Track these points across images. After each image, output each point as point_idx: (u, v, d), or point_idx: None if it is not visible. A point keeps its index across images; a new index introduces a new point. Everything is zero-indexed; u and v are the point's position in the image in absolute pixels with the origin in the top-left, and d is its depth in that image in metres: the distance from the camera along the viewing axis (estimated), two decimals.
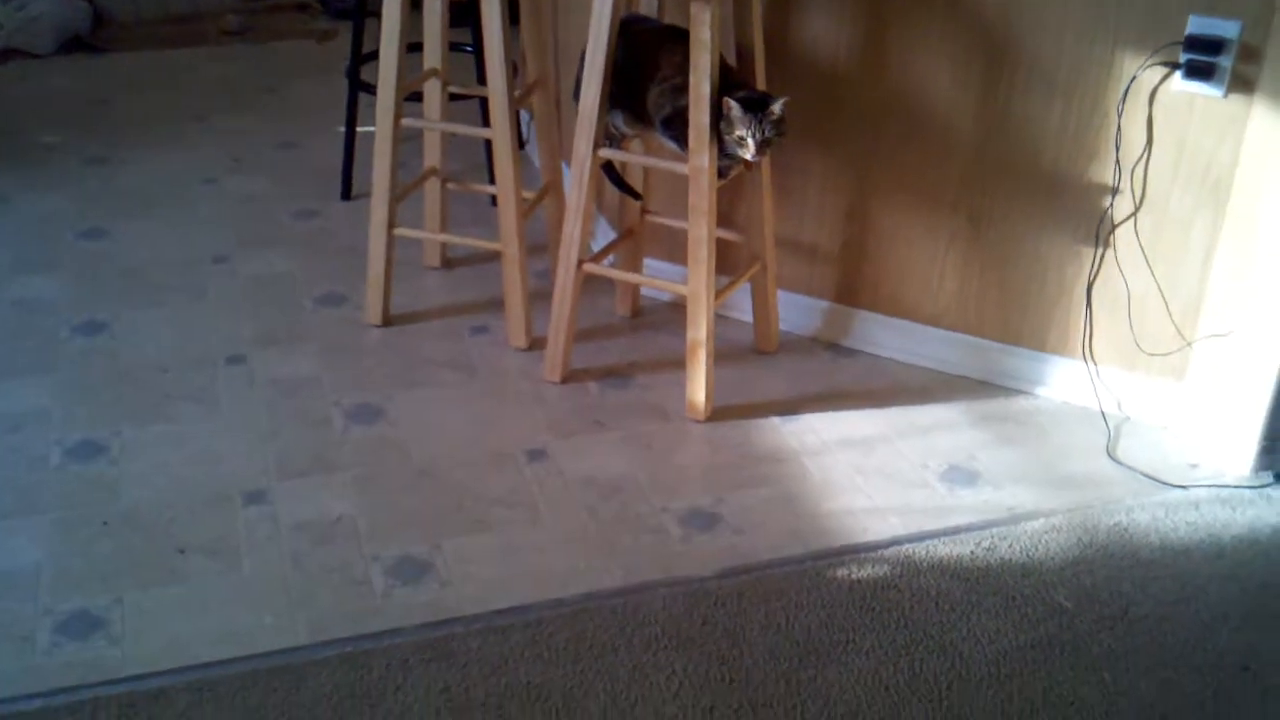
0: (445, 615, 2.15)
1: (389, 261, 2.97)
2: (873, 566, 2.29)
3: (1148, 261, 2.61)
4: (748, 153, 2.45)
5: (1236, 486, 2.52)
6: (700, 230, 2.55)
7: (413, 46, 2.92)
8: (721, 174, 2.57)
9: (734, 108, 2.42)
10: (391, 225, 2.93)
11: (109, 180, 3.77)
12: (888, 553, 2.33)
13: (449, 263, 3.34)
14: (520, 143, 2.87)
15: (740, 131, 2.43)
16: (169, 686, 1.97)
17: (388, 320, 3.04)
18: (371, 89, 3.15)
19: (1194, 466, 2.59)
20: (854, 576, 2.26)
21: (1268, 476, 2.53)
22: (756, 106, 2.43)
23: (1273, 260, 2.42)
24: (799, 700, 1.99)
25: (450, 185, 3.23)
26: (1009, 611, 2.19)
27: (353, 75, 3.61)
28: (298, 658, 2.05)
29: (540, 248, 3.29)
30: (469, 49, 3.47)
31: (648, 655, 2.07)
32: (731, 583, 2.24)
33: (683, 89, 2.47)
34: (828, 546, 2.35)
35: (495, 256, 3.23)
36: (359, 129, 3.61)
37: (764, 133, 2.43)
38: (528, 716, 1.94)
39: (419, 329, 3.04)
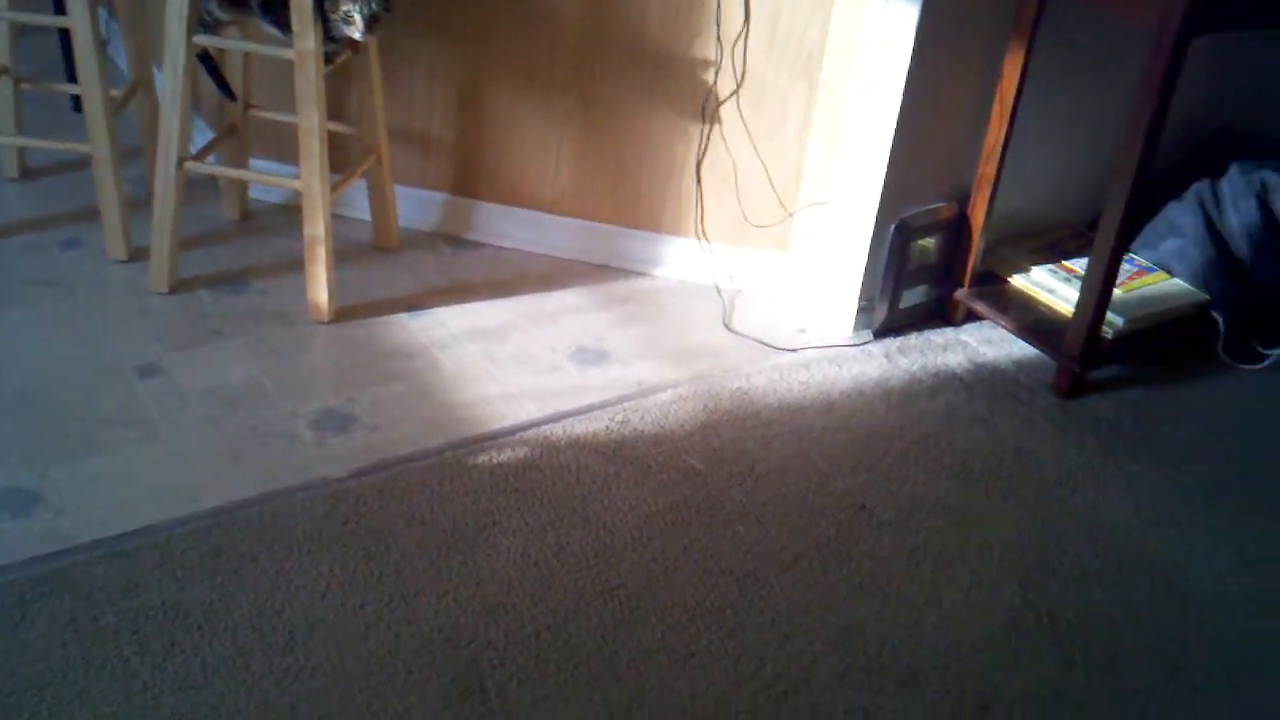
0: (62, 545, 1.99)
1: None
2: (512, 450, 2.30)
3: (750, 137, 2.73)
4: (355, 30, 2.35)
5: (840, 346, 2.70)
6: (310, 119, 2.44)
7: None
8: (329, 59, 2.46)
9: None
10: None
11: None
12: (526, 435, 2.35)
13: (29, 172, 3.05)
14: (101, 41, 2.64)
15: (346, 6, 2.33)
16: None
17: None
18: None
19: (802, 331, 2.75)
20: (495, 461, 2.27)
21: (866, 335, 2.72)
22: None
23: (860, 132, 2.59)
24: (451, 585, 1.98)
25: (25, 85, 2.93)
26: (646, 479, 2.26)
27: None
28: None
29: (133, 153, 3.05)
30: None
31: (291, 561, 2.00)
32: (371, 480, 2.19)
33: None
34: (466, 435, 2.34)
35: (82, 164, 2.97)
36: None
37: (371, 7, 2.33)
38: (166, 636, 1.83)
39: None
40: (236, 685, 1.77)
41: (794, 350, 2.68)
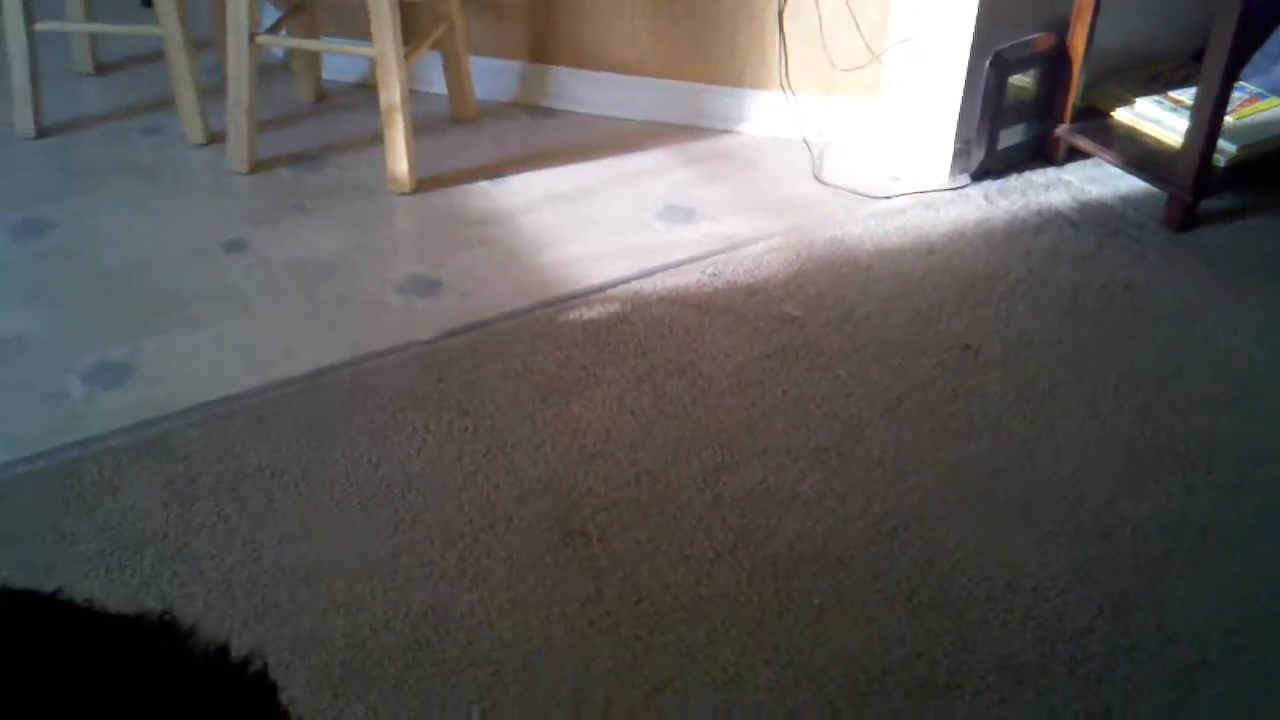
0: (157, 414, 1.98)
1: (34, 63, 2.65)
2: (603, 306, 2.25)
3: None
4: None
5: (938, 190, 2.59)
6: None
7: None
8: None
9: None
10: (30, 18, 2.60)
11: None
12: (615, 291, 2.29)
13: (103, 67, 3.03)
14: None
15: None
16: None
17: (42, 131, 2.73)
18: None
19: (896, 179, 2.65)
20: (586, 318, 2.22)
21: (963, 178, 2.61)
22: None
23: None
24: (547, 436, 1.94)
25: None
26: (741, 328, 2.19)
27: None
28: None
29: (205, 45, 3.01)
30: None
31: (385, 419, 1.97)
32: (462, 340, 2.16)
33: None
34: (555, 294, 2.29)
35: (155, 57, 2.94)
36: None
37: None
38: (264, 493, 1.82)
39: (80, 136, 2.75)
40: (337, 536, 1.75)
41: (888, 198, 2.58)
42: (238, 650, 0.82)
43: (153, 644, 0.80)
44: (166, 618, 0.81)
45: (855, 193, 2.60)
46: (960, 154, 2.61)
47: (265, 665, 0.82)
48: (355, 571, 1.70)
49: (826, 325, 2.20)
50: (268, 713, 0.82)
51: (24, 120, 2.71)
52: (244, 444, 1.91)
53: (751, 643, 1.62)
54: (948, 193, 2.58)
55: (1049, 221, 2.48)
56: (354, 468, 1.87)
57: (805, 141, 2.76)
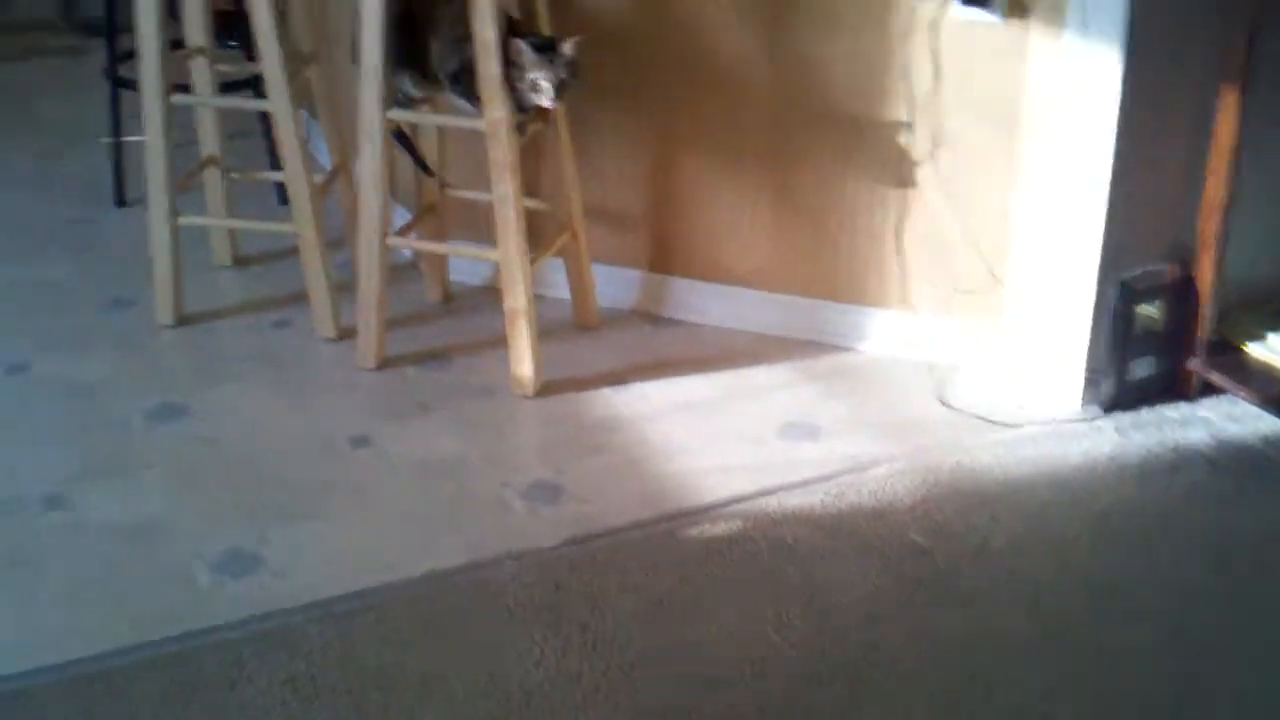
0: (279, 606, 1.97)
1: (176, 255, 2.75)
2: (726, 523, 2.22)
3: (951, 199, 2.63)
4: (545, 97, 2.35)
5: (1067, 421, 2.55)
6: (505, 187, 2.44)
7: (175, 44, 2.73)
8: (519, 130, 2.47)
9: (524, 50, 2.34)
10: (174, 214, 2.71)
11: None
12: (739, 508, 2.26)
13: (241, 260, 3.13)
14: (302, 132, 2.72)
15: (533, 74, 2.34)
16: None
17: (181, 319, 2.82)
18: (133, 85, 2.91)
19: (1022, 406, 2.61)
20: (708, 534, 2.18)
21: (1094, 409, 2.57)
22: (547, 48, 2.35)
23: (1069, 187, 2.47)
24: (668, 657, 1.89)
25: (233, 174, 3.02)
26: (868, 555, 2.14)
27: (112, 72, 3.35)
28: (115, 662, 1.83)
29: (337, 243, 3.09)
30: (233, 45, 3.27)
31: (504, 627, 1.94)
32: (583, 549, 2.13)
33: (466, 39, 2.37)
34: (677, 507, 2.27)
35: (290, 253, 3.02)
36: (125, 138, 3.33)
37: (559, 74, 2.34)
38: (386, 699, 1.78)
39: (216, 326, 2.83)
40: None
41: (1017, 426, 2.54)
42: None
43: None
44: None
45: (981, 418, 2.57)
46: (1090, 384, 2.57)
47: None
48: None
49: (956, 557, 2.14)
50: None
51: (165, 309, 2.79)
52: (364, 644, 1.89)
53: None
54: (1078, 424, 2.53)
55: (1186, 460, 2.41)
56: (472, 678, 1.83)
57: (927, 362, 2.75)
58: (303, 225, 2.69)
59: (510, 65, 2.35)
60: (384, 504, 2.24)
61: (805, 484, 2.34)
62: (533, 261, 2.58)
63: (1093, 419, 2.54)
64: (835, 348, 2.82)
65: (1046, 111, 2.47)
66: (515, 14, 2.52)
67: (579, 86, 2.42)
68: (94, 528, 2.13)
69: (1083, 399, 2.57)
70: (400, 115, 2.52)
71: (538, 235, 2.76)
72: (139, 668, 1.82)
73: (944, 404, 2.62)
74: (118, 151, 3.39)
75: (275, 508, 2.21)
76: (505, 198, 2.45)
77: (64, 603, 1.96)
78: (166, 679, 1.79)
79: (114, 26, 3.30)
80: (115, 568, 2.04)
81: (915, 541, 2.18)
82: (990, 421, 2.55)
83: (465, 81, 2.41)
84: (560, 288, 2.91)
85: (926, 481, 2.34)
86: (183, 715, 1.74)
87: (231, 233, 3.07)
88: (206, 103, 2.85)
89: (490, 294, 2.95)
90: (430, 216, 2.85)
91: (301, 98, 2.77)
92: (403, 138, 2.63)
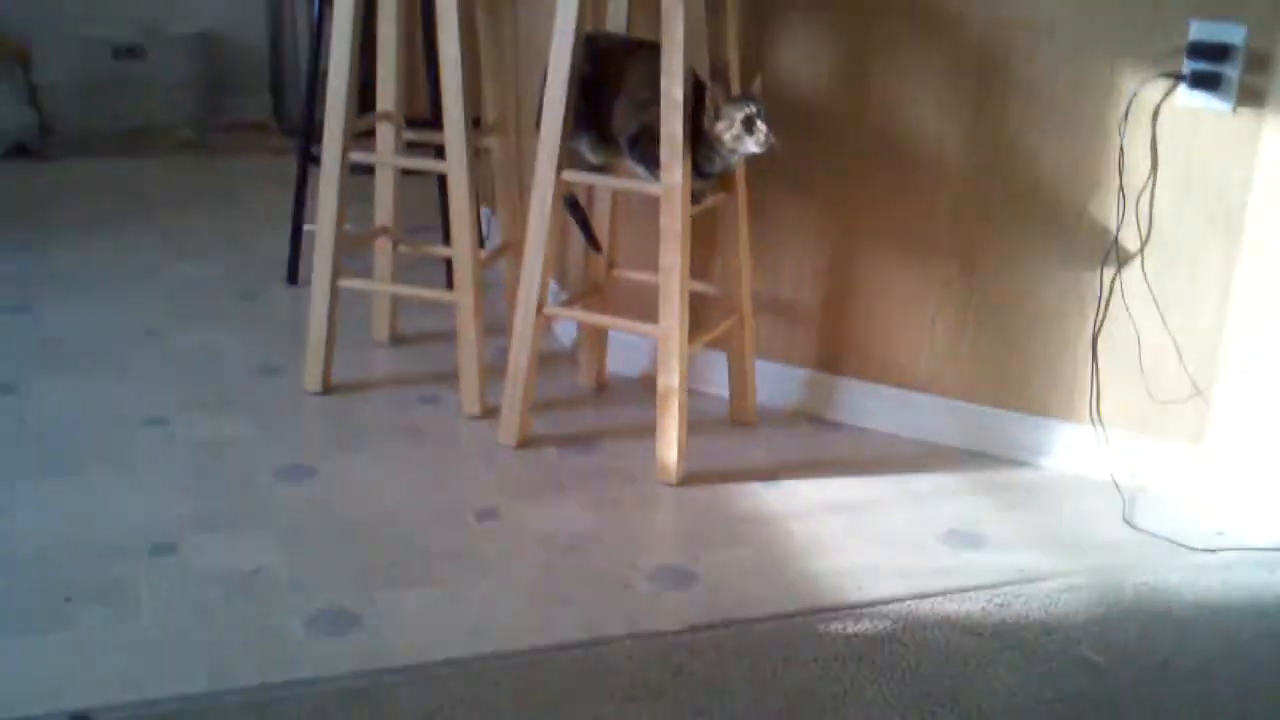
0: (372, 666, 1.83)
1: (332, 323, 2.72)
2: (871, 622, 1.99)
3: (1157, 305, 2.40)
4: (756, 138, 2.22)
5: (1270, 549, 2.25)
6: (672, 257, 2.32)
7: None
8: (695, 199, 2.35)
9: (720, 98, 2.23)
10: (336, 275, 2.68)
11: (44, 263, 3.51)
12: (888, 609, 2.04)
13: (398, 338, 3.09)
14: (480, 240, 2.68)
15: (738, 113, 2.22)
16: None
17: (328, 387, 2.77)
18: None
19: (1220, 533, 2.33)
20: (850, 631, 1.96)
21: None
22: (741, 101, 2.25)
23: None
24: None
25: (402, 247, 3.00)
26: (1030, 666, 1.89)
27: (303, 148, 3.40)
28: (190, 706, 1.72)
29: (498, 329, 3.01)
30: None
31: (612, 707, 1.75)
32: (709, 636, 1.94)
33: (651, 103, 2.28)
34: (819, 604, 2.05)
35: (447, 337, 2.96)
36: (306, 226, 3.37)
37: (762, 117, 2.22)
38: None
39: (362, 397, 2.77)
40: None
41: (1212, 551, 2.26)
42: None
43: None
44: None
45: (1172, 542, 2.29)
46: None
47: None
48: None
49: (1135, 676, 1.87)
50: None
51: (313, 376, 2.75)
52: (452, 708, 1.72)
53: None
54: None
55: None
56: None
57: (1114, 480, 2.48)
58: (462, 294, 2.62)
59: (701, 131, 2.25)
60: (501, 575, 2.10)
61: (964, 590, 2.10)
62: (692, 340, 2.44)
63: None
64: (1013, 461, 2.59)
65: (1275, 208, 2.23)
66: (704, 78, 2.43)
67: (764, 169, 2.29)
68: (196, 575, 2.04)
69: None
70: (574, 176, 2.44)
71: (702, 320, 2.62)
72: (214, 714, 1.69)
73: (1130, 525, 2.35)
74: (297, 231, 3.42)
75: (386, 571, 2.09)
76: (671, 268, 2.33)
77: (149, 645, 1.86)
78: None
79: (312, 119, 3.36)
80: (208, 615, 1.94)
81: (1086, 657, 1.91)
82: (1182, 545, 2.27)
83: (644, 145, 2.33)
84: (720, 385, 2.76)
85: (1106, 599, 2.08)
86: None
87: (392, 310, 3.04)
88: (385, 161, 2.84)
89: (647, 386, 2.82)
90: (594, 296, 2.75)
91: (481, 182, 2.72)
92: (575, 207, 2.55)
